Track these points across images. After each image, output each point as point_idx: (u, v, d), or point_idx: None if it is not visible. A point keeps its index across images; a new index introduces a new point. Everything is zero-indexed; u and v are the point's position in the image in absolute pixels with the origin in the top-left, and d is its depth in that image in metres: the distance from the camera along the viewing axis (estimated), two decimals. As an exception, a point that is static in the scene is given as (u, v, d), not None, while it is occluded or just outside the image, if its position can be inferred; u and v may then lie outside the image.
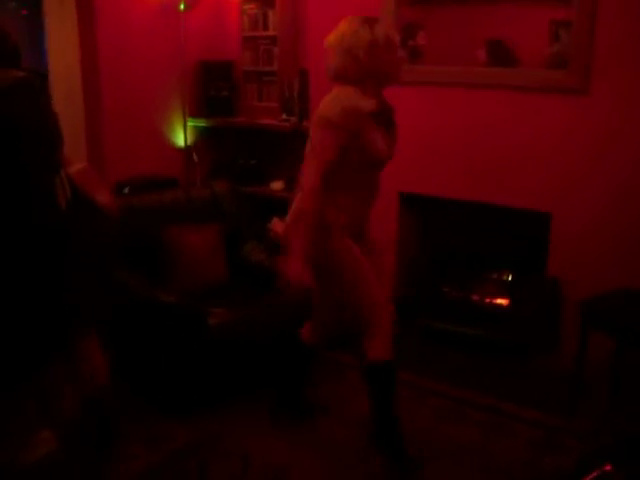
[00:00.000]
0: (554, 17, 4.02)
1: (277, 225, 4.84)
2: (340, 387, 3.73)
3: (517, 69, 4.08)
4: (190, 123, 5.08)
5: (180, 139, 5.05)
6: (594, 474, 2.10)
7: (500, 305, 4.26)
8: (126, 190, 4.45)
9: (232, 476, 2.93)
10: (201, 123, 5.18)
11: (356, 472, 3.01)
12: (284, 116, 4.88)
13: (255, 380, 3.66)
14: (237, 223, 4.22)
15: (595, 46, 3.65)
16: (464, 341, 4.16)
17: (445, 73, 4.25)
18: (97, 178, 2.13)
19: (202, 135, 5.24)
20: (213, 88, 5.12)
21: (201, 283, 3.80)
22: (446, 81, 4.21)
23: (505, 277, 4.28)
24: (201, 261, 3.89)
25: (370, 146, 2.77)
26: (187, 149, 5.08)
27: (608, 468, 2.12)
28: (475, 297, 4.32)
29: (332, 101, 2.76)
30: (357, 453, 3.12)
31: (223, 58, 5.17)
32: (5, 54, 1.92)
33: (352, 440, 3.23)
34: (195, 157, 5.12)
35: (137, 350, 3.51)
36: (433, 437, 3.26)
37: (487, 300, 4.29)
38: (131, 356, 3.56)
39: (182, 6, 4.68)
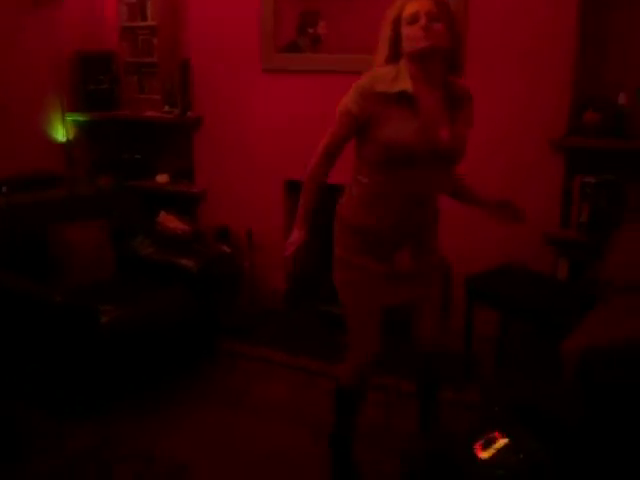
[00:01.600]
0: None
1: (165, 219, 4.78)
2: (236, 378, 3.73)
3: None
4: (70, 117, 4.92)
5: (60, 134, 4.89)
6: (482, 440, 2.19)
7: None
8: (4, 189, 4.26)
9: (136, 476, 2.88)
10: (81, 117, 5.03)
11: (259, 467, 3.00)
12: (167, 108, 4.81)
13: (153, 376, 3.61)
14: (124, 218, 4.14)
15: (467, 37, 3.78)
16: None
17: (330, 60, 4.30)
18: None
19: (83, 130, 5.09)
20: (93, 81, 4.97)
21: (90, 281, 3.72)
22: (331, 69, 4.24)
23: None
24: (88, 258, 3.80)
25: (385, 134, 2.34)
26: (68, 144, 4.92)
27: (495, 434, 2.22)
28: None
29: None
30: (260, 447, 3.12)
31: (102, 49, 5.02)
32: None
33: (255, 434, 3.23)
34: (77, 152, 4.96)
35: (27, 354, 3.39)
36: (330, 419, 3.31)
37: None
38: (21, 360, 3.44)
39: (55, -5, 4.52)
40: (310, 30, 4.48)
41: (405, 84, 2.33)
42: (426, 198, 2.50)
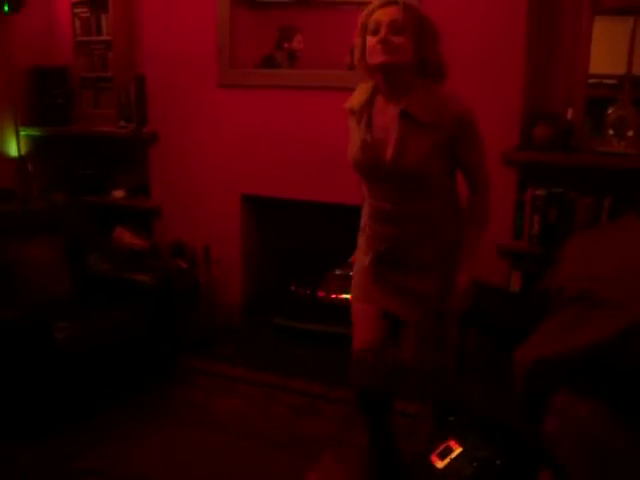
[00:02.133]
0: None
1: (121, 234, 4.75)
2: (195, 394, 3.71)
3: (351, 72, 4.21)
4: (23, 132, 4.87)
5: (13, 149, 4.83)
6: (440, 448, 2.23)
7: (345, 300, 4.38)
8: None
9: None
10: (35, 132, 4.98)
11: (223, 471, 3.02)
12: (122, 123, 4.79)
13: (111, 393, 3.57)
14: (79, 234, 4.10)
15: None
16: (313, 337, 4.25)
17: (284, 76, 4.34)
18: None
19: (37, 145, 5.03)
20: (47, 95, 4.93)
21: (44, 298, 3.67)
22: (285, 84, 4.28)
23: (349, 273, 4.40)
24: (43, 275, 3.76)
25: (348, 149, 2.48)
26: (21, 160, 4.86)
27: (452, 443, 2.26)
28: (321, 294, 4.43)
29: None
30: (218, 463, 3.11)
31: (56, 64, 4.98)
32: None
33: (214, 449, 3.22)
34: (30, 168, 4.91)
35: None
36: (289, 432, 3.33)
37: (333, 296, 4.40)
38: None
39: (6, 7, 4.46)
40: (286, 45, 4.53)
41: (352, 101, 2.43)
42: (400, 216, 2.43)
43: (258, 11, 4.64)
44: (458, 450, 2.23)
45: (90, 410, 3.44)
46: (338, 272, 4.45)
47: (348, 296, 4.32)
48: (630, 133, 3.61)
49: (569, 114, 3.68)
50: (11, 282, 3.64)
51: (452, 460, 2.21)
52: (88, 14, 4.80)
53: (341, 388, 3.68)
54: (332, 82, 4.10)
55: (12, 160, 4.85)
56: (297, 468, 3.04)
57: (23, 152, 4.86)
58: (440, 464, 2.21)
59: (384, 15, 2.25)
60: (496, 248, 3.86)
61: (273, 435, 3.31)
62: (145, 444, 3.23)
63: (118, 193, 4.94)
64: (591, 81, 3.77)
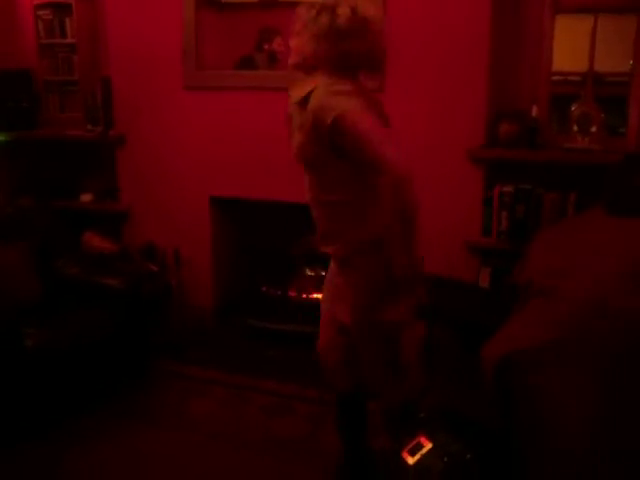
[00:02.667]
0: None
1: (90, 238, 4.71)
2: (168, 397, 3.70)
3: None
4: (-13, 137, 4.82)
5: (-23, 155, 4.77)
6: (411, 445, 2.25)
7: (317, 299, 4.40)
8: None
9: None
10: (0, 137, 4.92)
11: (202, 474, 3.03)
12: (89, 126, 4.75)
13: (83, 398, 3.55)
14: (47, 239, 4.07)
15: (388, 51, 3.86)
16: (284, 337, 4.26)
17: (250, 78, 4.34)
18: None
19: (2, 150, 4.97)
20: (10, 99, 4.87)
21: (12, 304, 3.62)
22: (251, 85, 4.28)
23: (320, 273, 4.43)
24: (10, 281, 3.72)
25: None
26: (-14, 165, 4.81)
27: (422, 439, 2.28)
28: (292, 294, 4.44)
29: None
30: (192, 465, 3.11)
31: (19, 67, 4.92)
32: None
33: (188, 452, 3.21)
34: (-4, 173, 4.85)
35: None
36: (262, 433, 3.33)
37: (304, 296, 4.42)
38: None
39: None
40: (266, 46, 4.53)
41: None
42: (314, 208, 2.53)
43: (230, 13, 4.64)
44: (428, 446, 2.25)
45: (62, 417, 3.41)
46: (309, 272, 4.47)
47: (320, 295, 4.37)
48: (593, 129, 3.67)
49: (534, 111, 3.72)
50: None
51: (423, 456, 2.23)
52: (51, 17, 4.75)
53: (314, 388, 3.69)
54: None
55: (-23, 166, 4.79)
56: (271, 469, 3.05)
57: (-12, 157, 4.81)
58: (411, 460, 2.23)
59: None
60: (465, 245, 3.90)
61: (247, 436, 3.31)
62: (119, 449, 3.21)
63: (86, 197, 4.91)
64: (555, 78, 3.83)
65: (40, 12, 4.76)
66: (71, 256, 4.10)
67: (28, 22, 4.84)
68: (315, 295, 4.35)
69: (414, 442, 2.26)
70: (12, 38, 4.94)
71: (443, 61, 3.80)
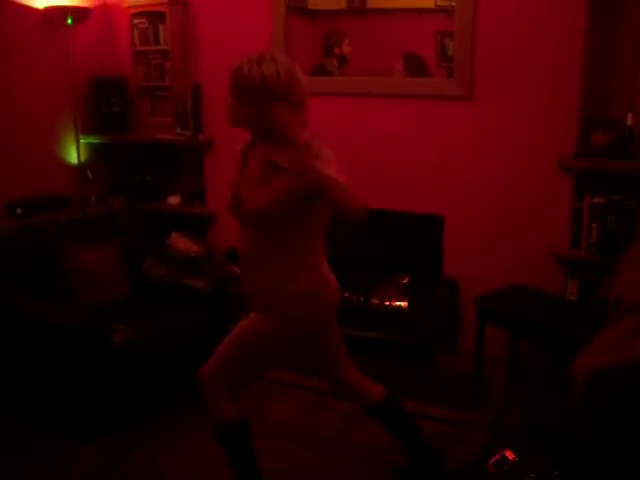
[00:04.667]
0: (439, 28, 4.23)
1: (177, 240, 4.82)
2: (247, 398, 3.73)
3: (405, 78, 4.22)
4: (83, 140, 4.99)
5: (73, 157, 4.95)
6: (495, 459, 2.20)
7: (399, 307, 4.38)
8: (19, 210, 4.32)
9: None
10: (95, 140, 5.09)
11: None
12: (179, 130, 4.86)
13: (165, 396, 3.63)
14: (135, 239, 4.17)
15: (476, 55, 3.83)
16: (366, 345, 4.23)
17: (337, 83, 4.36)
18: None
19: (96, 152, 5.15)
20: (106, 104, 5.04)
21: (102, 301, 3.74)
22: (339, 91, 4.30)
23: (403, 280, 4.40)
24: (100, 279, 3.83)
25: None
26: (81, 167, 4.98)
27: (507, 453, 2.23)
28: (375, 301, 4.42)
29: None
30: (270, 468, 3.11)
31: (115, 73, 5.10)
32: None
33: (266, 454, 3.21)
34: (89, 175, 5.02)
35: (37, 374, 3.42)
36: (345, 443, 3.33)
37: (387, 303, 4.39)
38: (30, 381, 3.47)
39: (69, 20, 4.59)
40: (336, 50, 4.55)
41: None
42: (253, 261, 2.51)
43: (309, 20, 4.67)
44: (514, 460, 2.20)
45: (146, 412, 3.49)
46: (392, 279, 4.44)
47: (403, 304, 4.35)
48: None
49: (629, 120, 3.60)
50: (71, 286, 3.72)
51: (508, 470, 2.18)
52: (146, 25, 4.89)
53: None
54: (383, 89, 4.12)
55: (73, 168, 4.97)
56: (349, 475, 3.04)
57: (83, 159, 4.98)
58: (496, 474, 2.18)
59: None
60: (553, 256, 3.81)
61: (325, 442, 3.31)
62: (199, 448, 3.25)
63: (174, 199, 5.02)
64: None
65: (136, 20, 4.91)
66: (158, 257, 4.19)
67: (124, 31, 5.00)
68: (397, 302, 4.32)
69: (499, 455, 2.22)
70: (109, 47, 5.12)
71: (535, 67, 3.73)
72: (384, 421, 2.91)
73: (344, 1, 4.60)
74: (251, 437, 2.63)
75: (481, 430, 3.30)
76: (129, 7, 4.89)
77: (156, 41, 4.89)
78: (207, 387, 2.59)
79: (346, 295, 4.49)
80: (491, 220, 3.97)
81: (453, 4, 3.90)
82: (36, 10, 4.56)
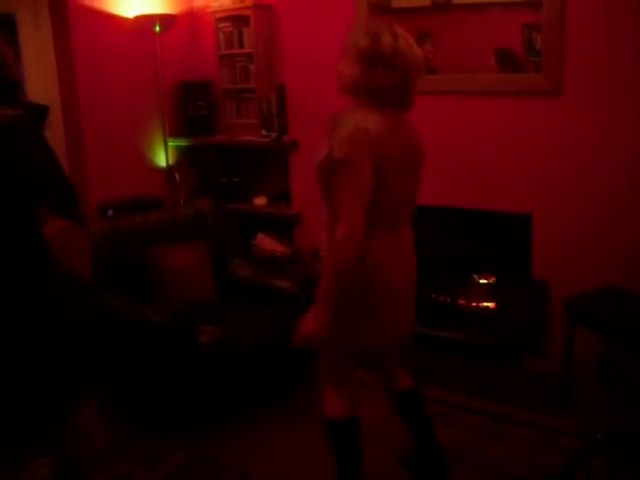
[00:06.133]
0: (525, 21, 4.11)
1: (262, 240, 4.87)
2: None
3: (491, 75, 4.13)
4: (171, 143, 5.11)
5: (161, 159, 5.08)
6: (585, 469, 2.13)
7: (487, 308, 4.29)
8: (110, 212, 4.46)
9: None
10: (181, 142, 5.21)
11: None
12: (264, 132, 4.92)
13: (247, 396, 3.67)
14: (222, 240, 4.23)
15: (565, 48, 3.72)
16: (453, 346, 4.18)
17: (423, 81, 4.30)
18: (78, 242, 1.84)
19: (183, 154, 5.27)
20: (192, 107, 5.15)
21: (189, 301, 3.81)
22: (424, 90, 4.24)
23: (491, 280, 4.31)
24: (188, 279, 3.90)
25: None
26: (169, 169, 5.10)
27: (598, 464, 2.15)
28: (462, 301, 4.35)
29: None
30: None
31: (201, 77, 5.20)
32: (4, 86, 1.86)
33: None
34: (177, 176, 5.14)
35: (127, 371, 3.52)
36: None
37: (474, 304, 4.31)
38: (121, 377, 3.57)
39: (158, 27, 4.72)
40: None
41: None
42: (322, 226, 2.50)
43: (394, 16, 4.63)
44: (604, 470, 2.12)
45: (228, 411, 3.54)
46: (479, 280, 4.36)
47: (490, 304, 4.26)
48: None
49: None
50: (159, 287, 3.81)
51: (599, 481, 2.11)
52: (231, 28, 4.96)
53: (477, 399, 3.62)
54: (467, 86, 4.06)
55: (161, 170, 5.10)
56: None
57: (171, 162, 5.10)
58: (586, 484, 2.12)
59: None
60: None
61: (397, 446, 3.26)
62: (280, 447, 3.28)
63: (260, 200, 5.08)
64: None
65: (221, 25, 4.99)
66: (244, 258, 4.24)
67: (209, 35, 5.09)
68: (486, 304, 4.24)
69: (588, 465, 2.14)
70: (195, 52, 5.23)
71: (629, 60, 3.58)
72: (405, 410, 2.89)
73: (428, -2, 4.55)
74: (356, 439, 2.62)
75: (569, 436, 3.20)
76: (214, 12, 4.98)
77: (240, 44, 4.96)
78: (318, 380, 2.68)
79: (433, 296, 4.45)
80: (581, 218, 3.85)
81: (541, -5, 3.79)
82: (127, 19, 4.71)
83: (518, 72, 4.11)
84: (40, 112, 1.91)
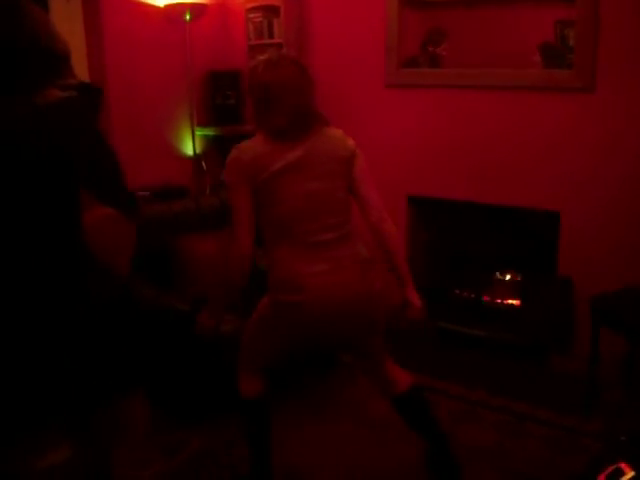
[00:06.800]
0: (559, 17, 4.07)
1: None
2: (355, 391, 3.74)
3: (522, 70, 4.09)
4: (198, 132, 5.11)
5: (189, 148, 5.08)
6: (609, 470, 2.10)
7: (511, 305, 4.26)
8: (137, 200, 4.48)
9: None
10: (209, 132, 5.21)
11: (374, 472, 3.02)
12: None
13: (274, 385, 3.67)
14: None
15: (599, 44, 3.66)
16: (477, 343, 4.16)
17: (451, 76, 4.27)
18: (120, 233, 1.73)
19: (210, 144, 5.27)
20: (220, 97, 5.15)
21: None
22: (452, 84, 4.22)
23: (515, 277, 4.28)
24: (213, 268, 3.90)
25: None
26: (196, 158, 5.11)
27: (622, 465, 2.11)
28: (486, 298, 4.32)
29: None
30: (373, 463, 3.12)
31: (230, 67, 5.19)
32: (52, 61, 1.69)
33: (367, 442, 3.25)
34: (204, 166, 5.14)
35: (149, 358, 3.53)
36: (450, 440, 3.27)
37: (498, 301, 4.29)
38: (143, 365, 3.58)
39: (188, 16, 4.71)
40: (430, 48, 4.48)
41: None
42: None
43: (423, 11, 4.61)
44: (630, 474, 2.08)
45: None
46: (504, 277, 4.33)
47: (515, 302, 4.23)
48: None
49: None
50: (184, 276, 3.82)
51: (623, 484, 2.07)
52: (261, 19, 4.95)
53: (500, 397, 3.59)
54: (508, 81, 4.01)
55: (188, 159, 5.10)
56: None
57: (198, 151, 5.10)
58: (609, 487, 2.08)
59: None
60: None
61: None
62: (306, 437, 3.29)
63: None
64: None
65: (251, 15, 4.98)
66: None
67: (239, 25, 5.08)
68: (510, 301, 4.21)
69: (613, 468, 2.10)
70: (225, 41, 5.21)
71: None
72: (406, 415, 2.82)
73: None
74: (263, 418, 2.83)
75: (594, 438, 3.17)
76: (244, 2, 4.96)
77: (270, 35, 4.94)
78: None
79: (456, 292, 4.43)
80: (610, 217, 3.79)
81: (574, -9, 3.74)
82: (157, 8, 4.71)
83: (562, 67, 4.04)
84: (94, 95, 1.80)
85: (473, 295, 4.38)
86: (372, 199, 2.59)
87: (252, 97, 2.56)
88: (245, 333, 2.80)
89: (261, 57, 2.57)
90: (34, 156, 1.57)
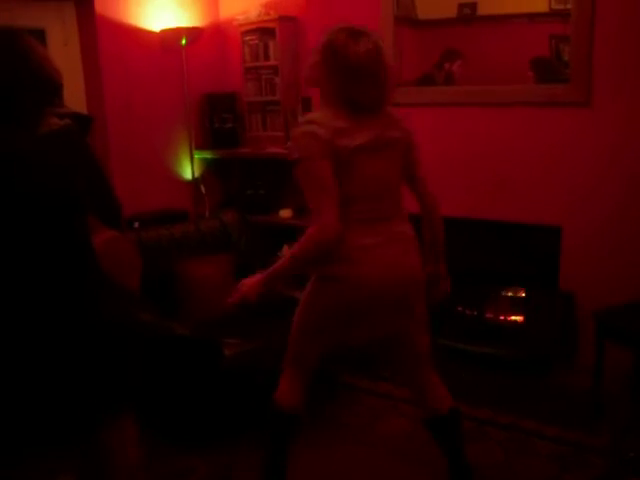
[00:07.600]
0: (553, 32, 4.09)
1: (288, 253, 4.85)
2: (358, 413, 3.71)
3: (519, 85, 4.10)
4: (197, 155, 5.12)
5: (187, 172, 5.09)
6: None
7: (515, 322, 4.24)
8: (136, 224, 4.48)
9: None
10: (207, 155, 5.22)
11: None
12: (289, 144, 4.89)
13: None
14: (247, 252, 4.22)
15: (594, 59, 3.67)
16: (480, 359, 4.13)
17: (449, 93, 4.29)
18: (127, 252, 1.92)
19: (209, 167, 5.28)
20: (218, 120, 5.16)
21: (215, 314, 3.80)
22: (450, 102, 4.23)
23: (518, 293, 4.26)
24: (213, 292, 3.89)
25: None
26: (195, 181, 5.11)
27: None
28: (489, 314, 4.29)
29: None
30: (381, 476, 3.09)
31: (226, 90, 5.21)
32: (50, 91, 1.78)
33: (378, 472, 3.20)
34: (203, 189, 5.15)
35: (149, 383, 3.50)
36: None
37: (501, 317, 4.26)
38: (143, 390, 3.55)
39: (184, 41, 4.74)
40: (446, 65, 4.51)
41: None
42: None
43: (419, 30, 4.63)
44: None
45: (251, 425, 3.50)
46: (506, 293, 4.31)
47: (518, 318, 4.21)
48: None
49: None
50: (184, 299, 3.81)
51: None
52: (257, 41, 4.98)
53: (505, 414, 3.56)
54: (504, 97, 4.03)
55: (187, 182, 5.11)
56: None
57: (197, 174, 5.11)
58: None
59: None
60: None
61: (436, 462, 3.22)
62: (310, 462, 3.25)
63: (285, 213, 5.07)
64: None
65: (247, 38, 5.01)
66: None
67: (235, 48, 5.11)
68: (513, 317, 4.19)
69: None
70: (221, 64, 5.25)
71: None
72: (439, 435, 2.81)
73: (454, 10, 4.53)
74: (287, 436, 2.75)
75: (600, 454, 3.13)
76: (240, 25, 5.00)
77: (266, 57, 4.98)
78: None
79: (459, 309, 4.40)
80: (611, 232, 3.79)
81: (569, 7, 3.76)
82: (153, 33, 4.74)
83: (555, 81, 4.06)
84: (85, 122, 1.88)
85: (476, 312, 4.35)
86: (426, 180, 2.73)
87: (331, 67, 2.43)
88: (292, 327, 2.71)
89: (340, 28, 2.52)
90: (43, 180, 1.62)
